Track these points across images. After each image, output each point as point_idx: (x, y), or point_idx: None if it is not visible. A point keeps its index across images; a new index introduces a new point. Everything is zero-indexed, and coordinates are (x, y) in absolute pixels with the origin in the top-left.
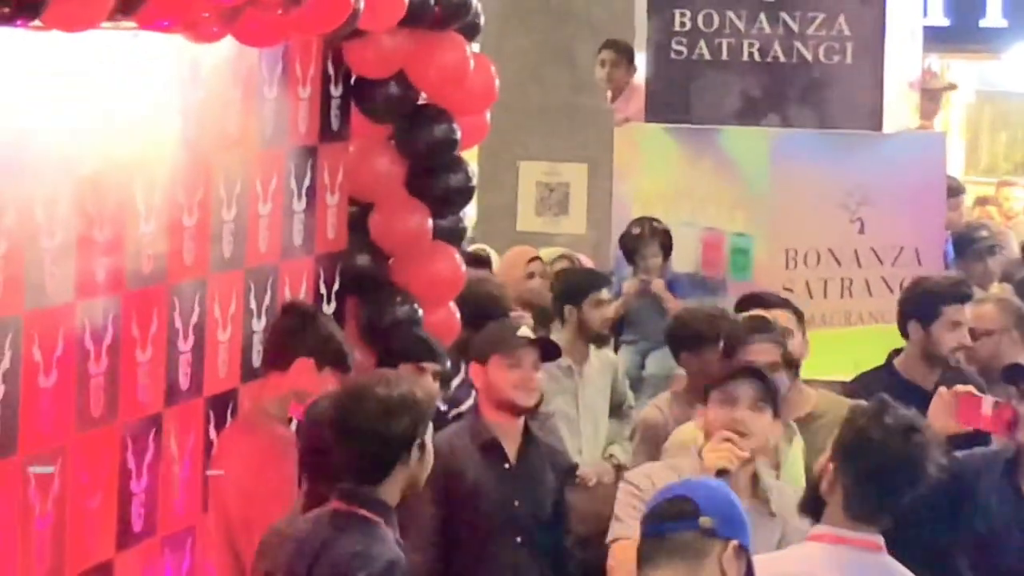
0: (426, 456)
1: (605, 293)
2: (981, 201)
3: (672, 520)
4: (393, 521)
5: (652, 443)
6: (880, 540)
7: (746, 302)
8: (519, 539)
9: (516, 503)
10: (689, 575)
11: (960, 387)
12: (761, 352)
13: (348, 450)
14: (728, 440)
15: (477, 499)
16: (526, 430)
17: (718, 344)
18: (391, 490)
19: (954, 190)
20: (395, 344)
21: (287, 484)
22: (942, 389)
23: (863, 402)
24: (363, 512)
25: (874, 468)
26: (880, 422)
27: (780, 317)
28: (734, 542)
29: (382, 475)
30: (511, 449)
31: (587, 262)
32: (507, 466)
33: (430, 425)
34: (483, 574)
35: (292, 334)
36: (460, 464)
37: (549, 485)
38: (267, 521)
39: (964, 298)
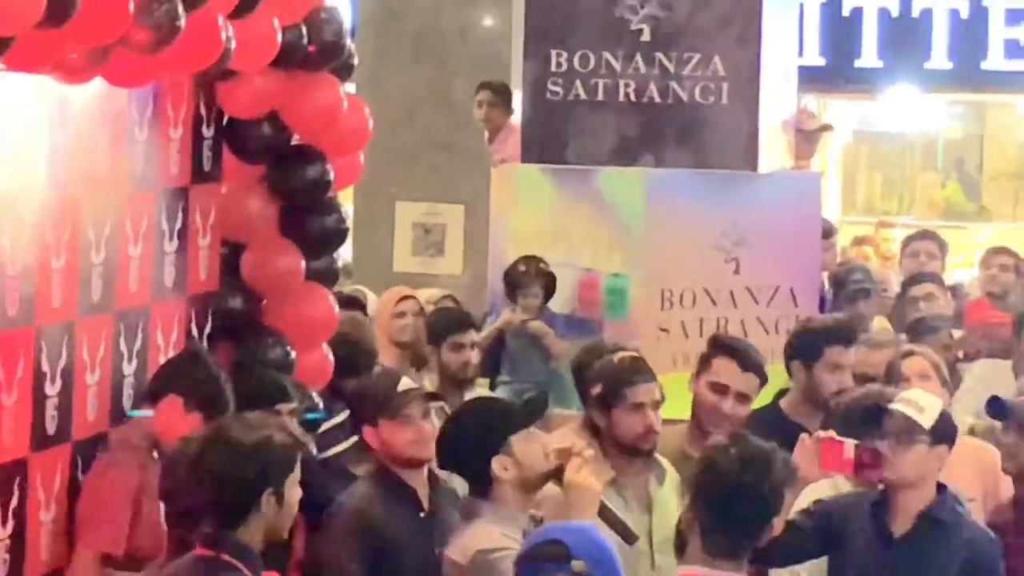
0: (285, 505)
1: (467, 336)
2: (858, 241)
3: (545, 562)
4: (256, 567)
5: None
6: None
7: (722, 346)
8: None
9: (435, 551)
10: None
11: (820, 432)
12: (648, 392)
13: (202, 493)
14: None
15: (399, 550)
16: (431, 477)
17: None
18: (251, 535)
19: (827, 231)
20: (246, 388)
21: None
22: (804, 436)
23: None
24: (225, 558)
25: (723, 501)
26: (727, 454)
27: (747, 383)
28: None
29: (238, 520)
30: (422, 497)
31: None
32: (422, 514)
33: (293, 472)
34: None
35: (170, 371)
36: (377, 517)
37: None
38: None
39: (847, 340)
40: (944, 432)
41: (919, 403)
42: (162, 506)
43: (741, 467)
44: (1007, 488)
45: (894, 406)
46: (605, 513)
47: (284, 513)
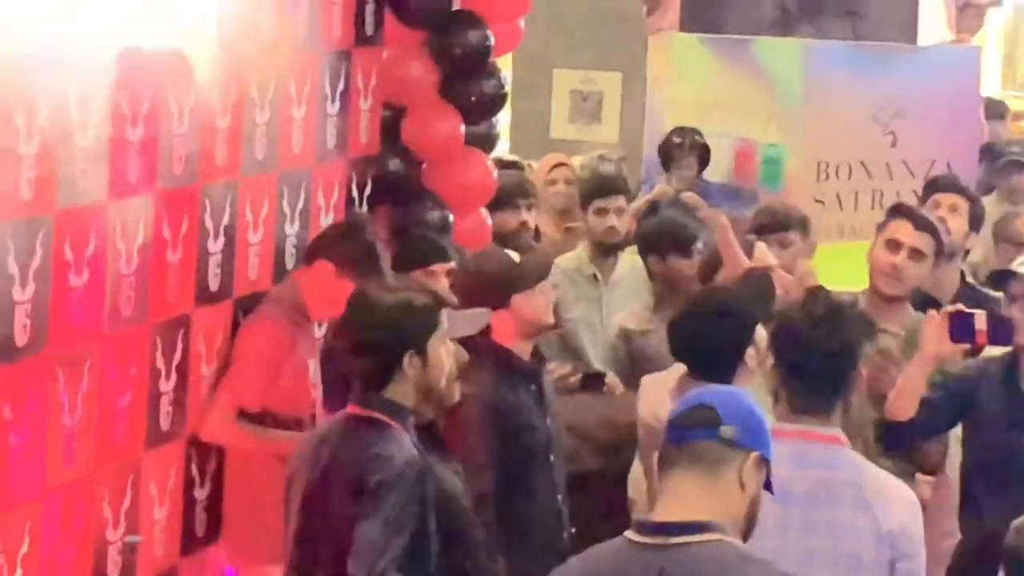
0: (431, 363)
1: (611, 201)
2: (1017, 116)
3: (693, 428)
4: (409, 424)
5: None
6: (835, 432)
7: (896, 211)
8: (551, 457)
9: (548, 421)
10: (707, 483)
11: (949, 307)
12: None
13: (349, 355)
14: None
15: (525, 429)
16: (533, 350)
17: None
18: (401, 393)
19: (1002, 112)
20: (404, 249)
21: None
22: (931, 312)
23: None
24: (378, 416)
25: (796, 357)
26: (798, 311)
27: (920, 240)
28: (755, 453)
29: (384, 381)
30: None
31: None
32: (533, 387)
33: (437, 331)
34: (529, 494)
35: (324, 237)
36: (504, 401)
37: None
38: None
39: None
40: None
41: None
42: (312, 367)
43: (811, 323)
44: None
45: (1020, 270)
46: None
47: (431, 371)
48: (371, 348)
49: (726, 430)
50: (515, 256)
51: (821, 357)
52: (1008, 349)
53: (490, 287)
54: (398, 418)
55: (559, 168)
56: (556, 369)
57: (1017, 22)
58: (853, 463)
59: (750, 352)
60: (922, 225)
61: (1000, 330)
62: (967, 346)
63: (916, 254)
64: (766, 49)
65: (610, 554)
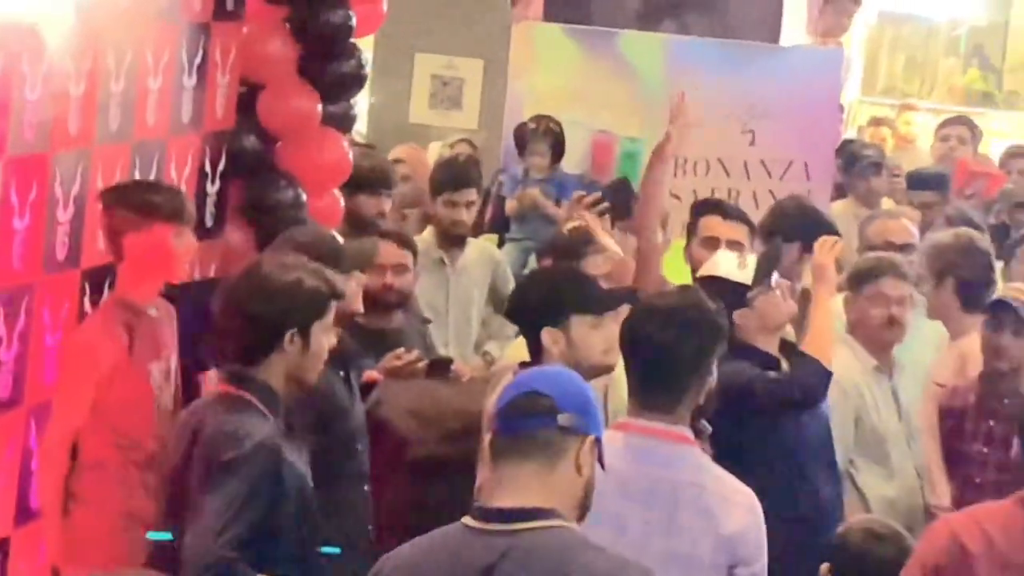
0: (309, 349)
1: (462, 195)
2: (876, 122)
3: (529, 417)
4: (278, 407)
5: None
6: (682, 430)
7: (704, 206)
8: (359, 446)
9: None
10: (545, 471)
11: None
12: (593, 266)
13: (228, 327)
14: None
15: (334, 408)
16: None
17: None
18: (271, 374)
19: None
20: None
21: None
22: (824, 239)
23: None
24: (246, 395)
25: (640, 351)
26: (650, 308)
27: (734, 230)
28: (591, 437)
29: (259, 358)
30: None
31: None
32: (342, 374)
33: (323, 319)
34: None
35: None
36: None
37: None
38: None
39: None
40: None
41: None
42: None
43: (650, 316)
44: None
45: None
46: None
47: (310, 357)
48: (253, 321)
49: (564, 418)
50: (339, 239)
51: (658, 351)
52: None
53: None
54: (265, 399)
55: (397, 164)
56: (403, 354)
57: (880, 29)
58: (697, 464)
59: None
60: (731, 214)
61: None
62: None
63: (736, 245)
64: (629, 42)
65: (447, 540)
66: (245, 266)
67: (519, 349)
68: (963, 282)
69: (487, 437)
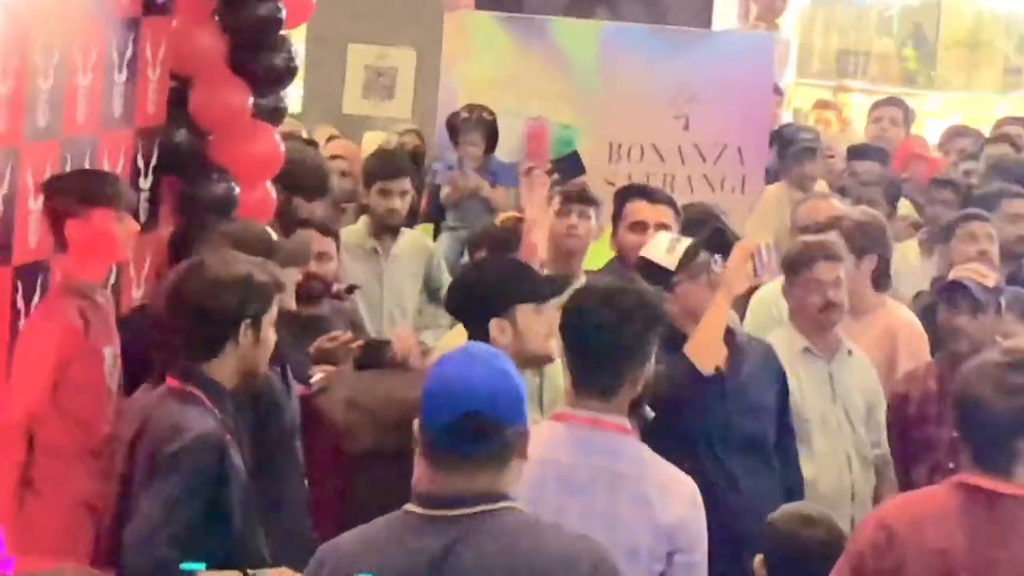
0: (261, 341)
1: (396, 183)
2: (821, 105)
3: (473, 443)
4: (225, 403)
5: None
6: (621, 420)
7: (629, 191)
8: (296, 441)
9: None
10: (494, 469)
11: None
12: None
13: (179, 324)
14: None
15: (270, 402)
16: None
17: None
18: (222, 370)
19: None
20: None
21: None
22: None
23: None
24: (193, 390)
25: (578, 335)
26: (590, 293)
27: (661, 213)
28: (526, 430)
29: (213, 352)
30: None
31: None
32: (278, 368)
33: (270, 312)
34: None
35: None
36: None
37: None
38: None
39: None
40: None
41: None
42: (108, 355)
43: (589, 299)
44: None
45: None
46: None
47: (260, 349)
48: (209, 313)
49: (510, 432)
50: (274, 235)
51: (596, 334)
52: None
53: None
54: (212, 394)
55: (335, 160)
56: (339, 336)
57: (813, 12)
58: (637, 454)
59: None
60: (657, 198)
61: None
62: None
63: (663, 228)
64: (562, 30)
65: (391, 528)
66: (187, 263)
67: (456, 338)
68: (883, 260)
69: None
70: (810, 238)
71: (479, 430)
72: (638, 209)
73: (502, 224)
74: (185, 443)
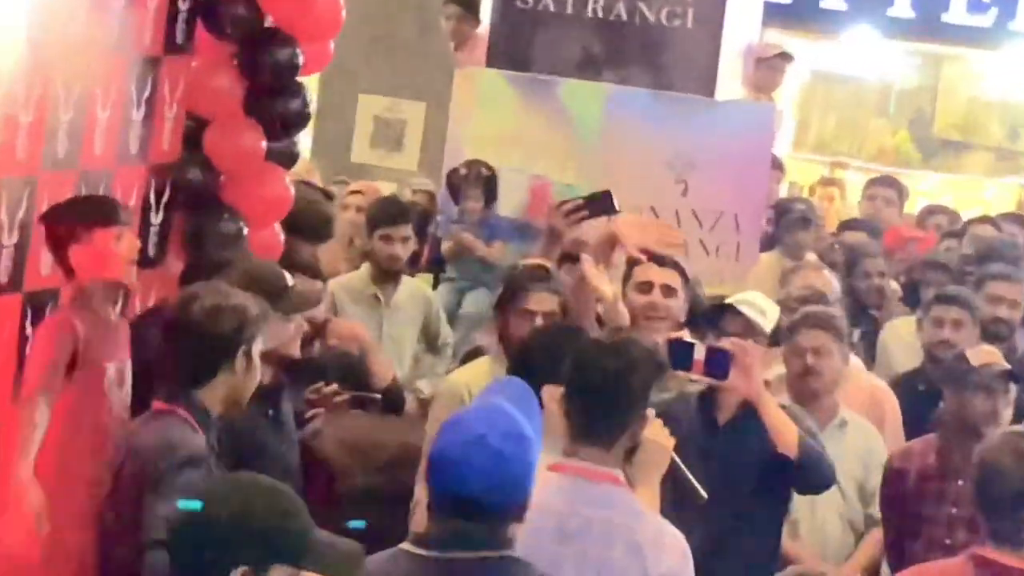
0: (252, 369)
1: (398, 230)
2: (826, 182)
3: (471, 519)
4: (211, 430)
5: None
6: (614, 471)
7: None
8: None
9: (282, 448)
10: (495, 531)
11: (672, 333)
12: (539, 301)
13: (174, 349)
14: None
15: (249, 445)
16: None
17: None
18: (212, 396)
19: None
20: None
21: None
22: (656, 338)
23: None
24: (180, 412)
25: (583, 379)
26: (597, 345)
27: (668, 275)
28: (524, 504)
29: (206, 378)
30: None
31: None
32: (271, 412)
33: (259, 339)
34: None
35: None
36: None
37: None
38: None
39: None
40: (777, 337)
41: (760, 306)
42: (111, 371)
43: (596, 346)
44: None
45: (740, 307)
46: (674, 470)
47: (250, 378)
48: (212, 340)
49: (507, 514)
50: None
51: (602, 381)
52: (704, 384)
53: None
54: (199, 418)
55: (354, 195)
56: (322, 387)
57: (812, 87)
58: (629, 505)
59: None
60: (665, 262)
61: (716, 361)
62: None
63: (669, 290)
64: (569, 91)
65: (385, 567)
66: (185, 292)
67: (467, 372)
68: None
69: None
70: (809, 308)
71: (476, 513)
72: (645, 270)
73: (523, 268)
74: (176, 460)
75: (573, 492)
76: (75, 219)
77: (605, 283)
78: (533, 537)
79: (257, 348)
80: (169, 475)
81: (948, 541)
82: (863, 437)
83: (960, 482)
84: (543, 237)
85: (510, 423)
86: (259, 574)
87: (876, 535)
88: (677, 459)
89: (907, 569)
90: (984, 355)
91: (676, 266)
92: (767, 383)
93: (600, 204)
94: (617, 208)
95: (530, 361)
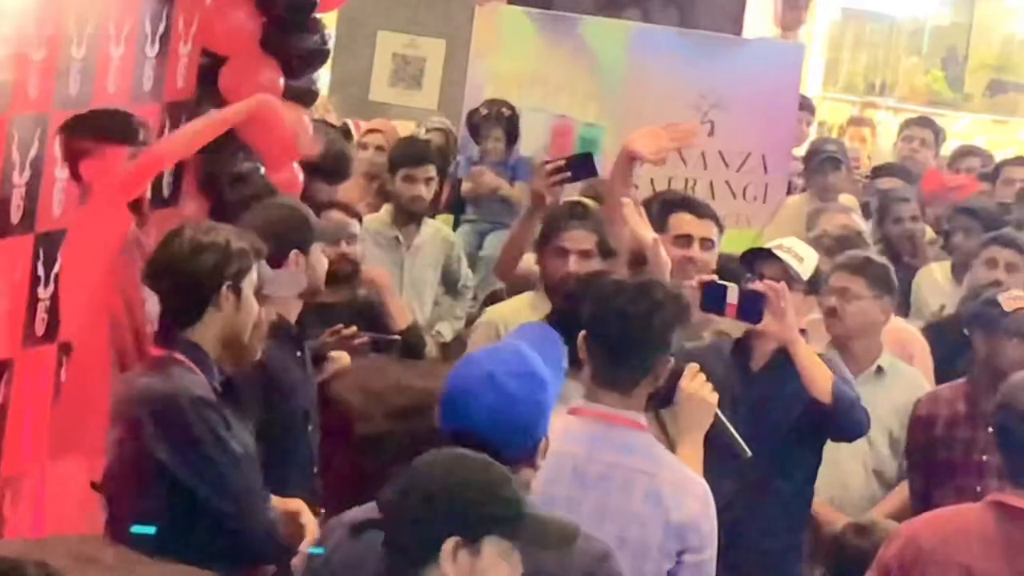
0: (244, 304)
1: (421, 170)
2: (856, 121)
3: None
4: (210, 368)
5: None
6: (636, 416)
7: (672, 203)
8: (309, 427)
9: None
10: None
11: (703, 276)
12: (574, 239)
13: (159, 289)
14: None
15: (286, 387)
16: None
17: None
18: (204, 336)
19: (805, 106)
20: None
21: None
22: (686, 281)
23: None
24: (176, 355)
25: (605, 323)
26: (618, 285)
27: (707, 228)
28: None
29: (193, 317)
30: None
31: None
32: (299, 354)
33: (250, 276)
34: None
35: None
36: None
37: None
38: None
39: None
40: (816, 284)
41: (798, 253)
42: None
43: (618, 289)
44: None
45: (777, 252)
46: (717, 426)
47: (242, 313)
48: (191, 277)
49: (509, 455)
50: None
51: (623, 323)
52: (742, 329)
53: (277, 235)
54: (198, 360)
55: (372, 134)
56: (341, 329)
57: (843, 25)
58: (651, 451)
59: None
60: (704, 213)
61: (750, 306)
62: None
63: (707, 243)
64: (592, 29)
65: None
66: (167, 232)
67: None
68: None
69: None
70: (850, 253)
71: (483, 452)
72: (684, 222)
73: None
74: (156, 407)
75: (592, 436)
76: (90, 134)
77: (645, 227)
78: (551, 482)
79: (249, 284)
80: (181, 418)
81: (979, 488)
82: (905, 387)
83: (990, 429)
84: (524, 200)
85: (521, 362)
86: (472, 545)
87: (907, 487)
88: (721, 416)
89: (924, 514)
90: (1017, 300)
91: (713, 216)
92: (802, 331)
93: (583, 166)
94: (597, 171)
95: (570, 307)
